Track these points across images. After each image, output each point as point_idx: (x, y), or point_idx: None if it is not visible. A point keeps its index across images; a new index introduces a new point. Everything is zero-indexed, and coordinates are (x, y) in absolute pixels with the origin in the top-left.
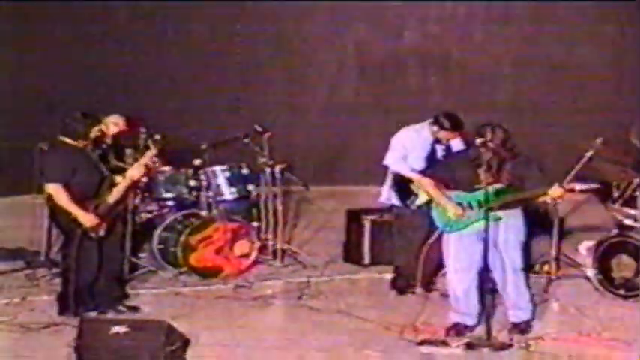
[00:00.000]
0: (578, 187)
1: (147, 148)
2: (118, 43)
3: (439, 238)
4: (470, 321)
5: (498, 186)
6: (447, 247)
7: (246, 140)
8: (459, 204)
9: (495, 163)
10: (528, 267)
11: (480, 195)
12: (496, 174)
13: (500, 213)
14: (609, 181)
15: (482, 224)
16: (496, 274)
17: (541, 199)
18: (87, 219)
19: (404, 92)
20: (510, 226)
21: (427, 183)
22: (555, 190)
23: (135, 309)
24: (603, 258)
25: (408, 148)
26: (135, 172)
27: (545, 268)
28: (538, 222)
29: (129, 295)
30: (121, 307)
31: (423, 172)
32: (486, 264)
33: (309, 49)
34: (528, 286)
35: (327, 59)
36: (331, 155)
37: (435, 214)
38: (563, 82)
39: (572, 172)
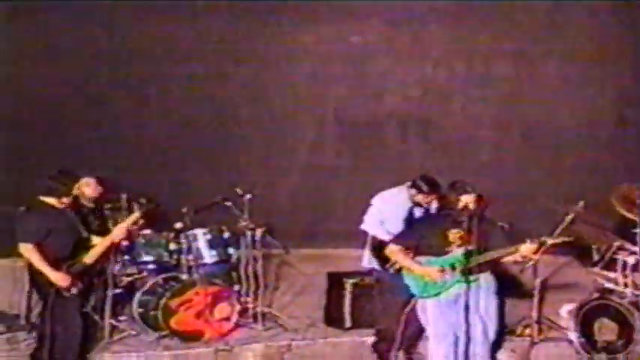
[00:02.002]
0: (550, 241)
1: (129, 210)
2: (96, 104)
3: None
4: None
5: (469, 247)
6: (424, 314)
7: (227, 203)
8: None
9: (467, 224)
10: (509, 331)
11: (451, 258)
12: (466, 235)
13: (476, 276)
14: (590, 244)
15: (458, 288)
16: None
17: (513, 257)
18: (57, 277)
19: (384, 154)
20: (487, 289)
21: (395, 251)
22: (527, 247)
23: None
24: (585, 321)
25: (385, 212)
26: (117, 232)
27: (527, 331)
28: (510, 285)
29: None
30: None
31: None
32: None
33: (290, 110)
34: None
35: (307, 121)
36: (312, 217)
37: (409, 281)
38: (542, 143)
39: (555, 235)
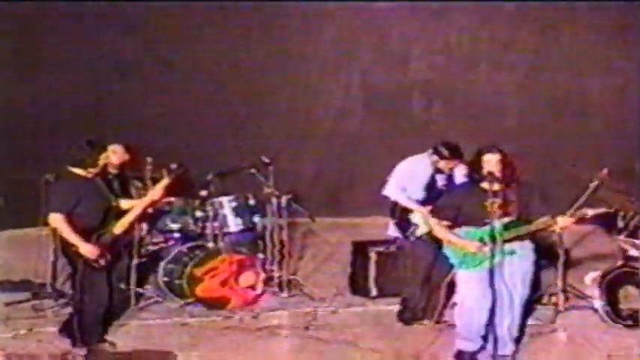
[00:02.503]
0: (590, 212)
1: (154, 179)
2: (123, 72)
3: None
4: (477, 345)
5: (507, 219)
6: (459, 282)
7: (252, 170)
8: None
9: (502, 193)
10: (536, 299)
11: (489, 229)
12: (504, 205)
13: (514, 246)
14: (615, 212)
15: (495, 259)
16: (499, 309)
17: (550, 230)
18: (87, 249)
19: (409, 122)
20: (524, 259)
21: (434, 223)
22: (565, 220)
23: (112, 344)
24: (610, 289)
25: (408, 179)
26: (147, 200)
27: (553, 299)
28: (543, 253)
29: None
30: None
31: (422, 202)
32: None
33: (315, 78)
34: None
35: (332, 89)
36: (337, 186)
37: (448, 252)
38: (568, 110)
39: (578, 203)
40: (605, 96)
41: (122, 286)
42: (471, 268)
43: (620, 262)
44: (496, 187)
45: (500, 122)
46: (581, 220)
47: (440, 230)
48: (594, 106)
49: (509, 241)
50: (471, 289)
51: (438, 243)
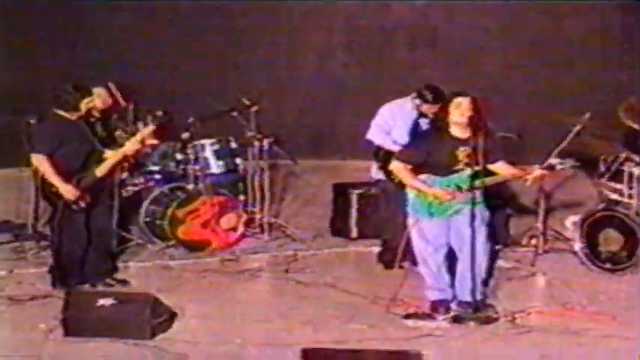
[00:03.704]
0: (559, 166)
1: (136, 121)
2: (105, 12)
3: None
4: (449, 295)
5: (475, 167)
6: (417, 230)
7: (234, 113)
8: None
9: (471, 141)
10: (514, 241)
11: (456, 178)
12: (473, 154)
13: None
14: (596, 156)
15: (456, 208)
16: (462, 255)
17: (522, 180)
18: (67, 190)
19: (392, 66)
20: (481, 207)
21: (400, 168)
22: (535, 172)
23: (124, 282)
24: (590, 232)
25: (391, 123)
26: (130, 146)
27: (533, 242)
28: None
29: (118, 269)
30: (110, 281)
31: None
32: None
33: (297, 21)
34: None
35: (314, 30)
36: (319, 129)
37: (414, 200)
38: (550, 53)
39: (559, 147)
40: (587, 39)
41: (111, 228)
42: (439, 216)
43: (600, 206)
44: (466, 134)
45: (482, 65)
46: (550, 170)
47: (405, 175)
48: (576, 50)
49: (474, 189)
50: (429, 233)
51: None
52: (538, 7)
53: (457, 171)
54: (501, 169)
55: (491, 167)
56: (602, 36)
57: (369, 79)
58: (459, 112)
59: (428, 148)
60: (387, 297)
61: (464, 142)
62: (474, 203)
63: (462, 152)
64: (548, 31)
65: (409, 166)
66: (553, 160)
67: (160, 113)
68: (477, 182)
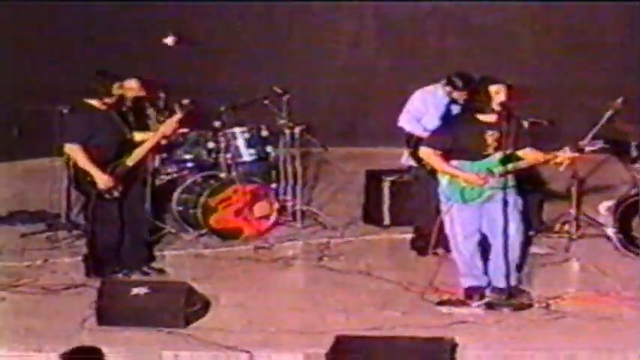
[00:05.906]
0: (588, 147)
1: (167, 110)
2: (136, 5)
3: None
4: (483, 282)
5: (506, 152)
6: (449, 216)
7: (265, 102)
8: None
9: (500, 127)
10: (547, 227)
11: (487, 162)
12: (503, 138)
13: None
14: (629, 141)
15: (489, 193)
16: (495, 241)
17: (553, 164)
18: (101, 179)
19: (423, 53)
20: (514, 193)
21: (429, 154)
22: (565, 155)
23: (161, 271)
24: (623, 217)
25: (422, 109)
26: (159, 134)
27: (566, 227)
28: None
29: (155, 258)
30: (146, 270)
31: None
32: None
33: (329, 9)
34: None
35: (346, 18)
36: (350, 116)
37: (446, 187)
38: (583, 40)
39: (592, 132)
40: (620, 24)
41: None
42: (471, 201)
43: (633, 191)
44: (494, 118)
45: (515, 52)
46: (580, 152)
47: (435, 160)
48: (609, 35)
49: (506, 174)
50: (462, 219)
51: None
52: None
53: (486, 155)
54: (529, 154)
55: (519, 153)
56: (636, 21)
57: (400, 66)
58: (499, 98)
59: (456, 133)
60: (421, 284)
61: (492, 126)
62: (506, 188)
63: (490, 136)
64: (581, 17)
65: (439, 152)
66: (582, 142)
67: (186, 101)
68: (510, 166)
